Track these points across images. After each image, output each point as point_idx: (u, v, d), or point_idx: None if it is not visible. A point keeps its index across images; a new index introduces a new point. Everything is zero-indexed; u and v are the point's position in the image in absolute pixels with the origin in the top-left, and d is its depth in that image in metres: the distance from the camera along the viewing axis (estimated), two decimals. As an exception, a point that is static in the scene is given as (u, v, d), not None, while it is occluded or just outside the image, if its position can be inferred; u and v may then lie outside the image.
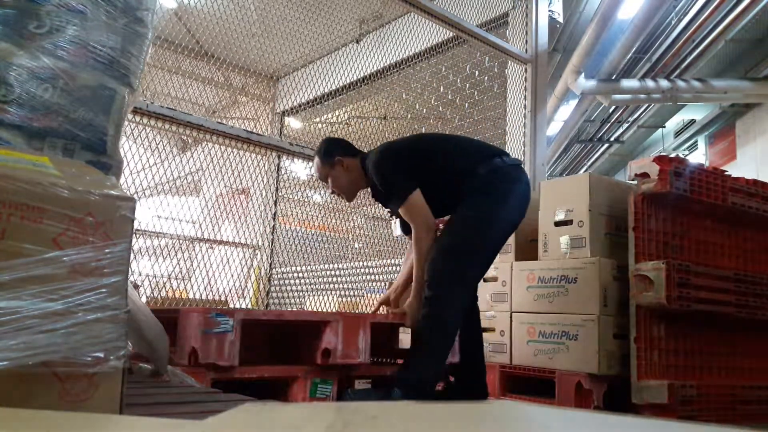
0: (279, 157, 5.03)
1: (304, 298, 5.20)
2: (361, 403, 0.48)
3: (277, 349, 2.13)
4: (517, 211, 2.18)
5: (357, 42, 5.14)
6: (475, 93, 5.01)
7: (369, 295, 4.77)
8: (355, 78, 4.91)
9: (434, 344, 2.03)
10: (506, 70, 4.69)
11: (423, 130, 5.87)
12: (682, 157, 2.50)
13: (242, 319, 1.79)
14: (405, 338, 2.38)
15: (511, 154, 2.38)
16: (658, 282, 2.26)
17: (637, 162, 2.44)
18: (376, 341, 2.09)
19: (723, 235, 2.64)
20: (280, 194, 5.19)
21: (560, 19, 5.34)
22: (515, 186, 2.16)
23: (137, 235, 4.44)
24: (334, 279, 5.15)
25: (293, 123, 6.63)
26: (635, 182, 2.44)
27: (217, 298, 4.21)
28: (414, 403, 0.48)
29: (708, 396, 2.31)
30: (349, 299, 4.84)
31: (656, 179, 2.34)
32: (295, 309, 5.15)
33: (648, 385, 2.24)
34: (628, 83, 7.15)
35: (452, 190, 2.15)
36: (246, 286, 5.04)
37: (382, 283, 4.83)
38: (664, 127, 10.15)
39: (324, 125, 6.49)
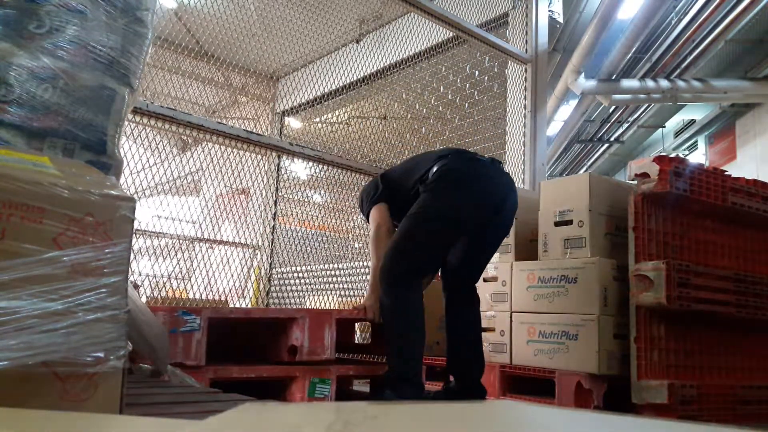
0: (279, 157, 5.04)
1: (304, 298, 5.20)
2: (361, 403, 0.48)
3: (248, 348, 2.13)
4: (462, 201, 2.22)
5: (357, 42, 5.14)
6: (475, 93, 5.01)
7: (369, 295, 4.77)
8: (355, 78, 4.91)
9: (397, 338, 2.10)
10: (506, 70, 4.69)
11: (423, 130, 5.87)
12: (683, 157, 2.49)
13: (209, 318, 1.78)
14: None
15: (510, 154, 2.40)
16: (658, 282, 2.26)
17: (637, 162, 2.44)
18: (343, 338, 2.12)
19: (723, 235, 2.64)
20: (280, 194, 5.20)
21: (560, 19, 5.34)
22: (462, 179, 2.22)
23: (137, 235, 4.44)
24: (334, 279, 5.15)
25: (293, 123, 6.63)
26: (635, 182, 2.44)
27: (217, 298, 4.21)
28: (414, 403, 0.48)
29: (708, 396, 2.31)
30: (349, 299, 4.85)
31: (656, 179, 2.34)
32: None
33: (648, 385, 2.24)
34: (628, 83, 7.15)
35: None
36: (246, 286, 5.05)
37: (382, 283, 4.82)
38: (664, 127, 10.16)
39: (324, 125, 6.49)
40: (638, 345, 2.31)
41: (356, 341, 2.44)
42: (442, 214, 2.19)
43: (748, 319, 2.49)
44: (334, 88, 5.16)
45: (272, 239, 4.90)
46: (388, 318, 2.12)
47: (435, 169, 2.23)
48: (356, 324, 2.41)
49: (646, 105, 8.28)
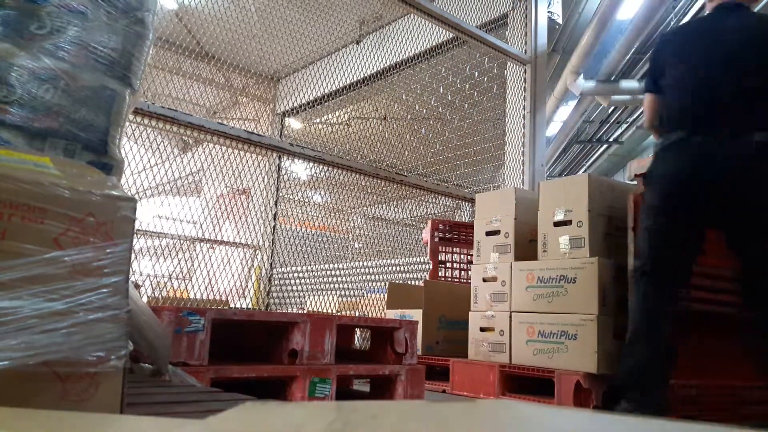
0: (279, 158, 5.04)
1: (304, 297, 5.20)
2: (361, 403, 0.48)
3: (249, 349, 2.13)
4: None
5: (357, 43, 5.14)
6: (475, 94, 5.01)
7: (369, 295, 4.78)
8: (355, 79, 4.91)
9: (632, 329, 2.00)
10: (506, 71, 4.70)
11: (423, 131, 5.88)
12: None
13: (213, 319, 1.79)
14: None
15: (510, 154, 2.43)
16: None
17: (638, 161, 2.42)
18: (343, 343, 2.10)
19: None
20: (280, 194, 5.20)
21: (559, 20, 5.35)
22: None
23: (138, 236, 4.44)
24: (334, 279, 5.15)
25: (294, 123, 6.63)
26: (634, 182, 2.44)
27: (217, 298, 4.21)
28: (414, 403, 0.49)
29: (708, 396, 2.30)
30: (349, 299, 4.85)
31: None
32: (295, 309, 5.15)
33: None
34: (627, 84, 7.16)
35: None
36: (246, 286, 5.05)
37: (382, 283, 4.83)
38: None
39: (324, 126, 6.49)
40: None
41: (357, 346, 2.42)
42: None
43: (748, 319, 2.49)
44: (334, 89, 5.17)
45: (273, 239, 4.90)
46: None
47: None
48: (356, 330, 2.39)
49: (646, 105, 8.26)
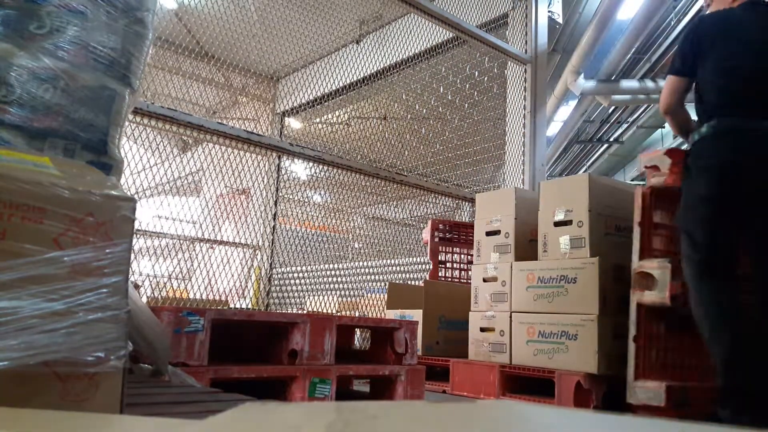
0: (279, 158, 5.04)
1: (304, 298, 5.20)
2: (361, 403, 0.48)
3: (248, 350, 2.13)
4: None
5: (357, 43, 5.14)
6: (475, 93, 5.01)
7: (369, 295, 4.77)
8: (355, 79, 4.91)
9: (708, 333, 1.88)
10: (506, 71, 4.70)
11: (423, 131, 5.88)
12: None
13: (213, 319, 1.79)
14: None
15: (510, 154, 2.39)
16: (662, 280, 2.17)
17: (648, 154, 2.31)
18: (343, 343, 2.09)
19: None
20: (280, 194, 5.20)
21: (560, 20, 5.35)
22: None
23: (138, 236, 4.44)
24: (334, 279, 5.15)
25: (293, 123, 6.63)
26: (637, 182, 2.41)
27: (217, 298, 4.21)
28: (414, 403, 0.48)
29: (705, 399, 2.22)
30: (349, 299, 4.84)
31: (667, 172, 2.20)
32: (295, 309, 5.15)
33: (645, 385, 2.18)
34: (627, 84, 7.16)
35: None
36: (246, 286, 5.05)
37: (382, 283, 4.83)
38: (664, 127, 10.16)
39: (324, 125, 6.50)
40: (637, 344, 2.24)
41: (357, 346, 2.42)
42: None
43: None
44: (334, 88, 5.17)
45: (272, 239, 4.90)
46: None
47: None
48: (356, 330, 2.38)
49: (646, 105, 8.28)
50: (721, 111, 1.96)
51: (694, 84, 2.13)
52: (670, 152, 2.26)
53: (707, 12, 2.23)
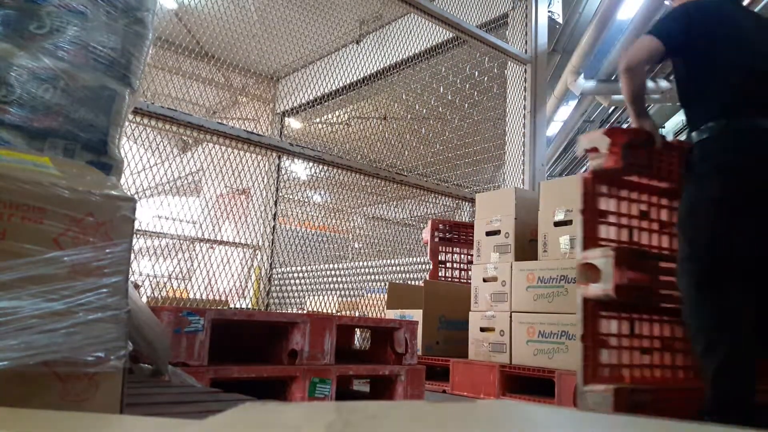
0: (279, 158, 5.04)
1: (304, 298, 5.20)
2: (361, 403, 0.48)
3: (248, 350, 2.13)
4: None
5: (357, 43, 5.15)
6: (475, 93, 5.01)
7: (369, 295, 4.78)
8: (355, 79, 4.91)
9: (703, 345, 1.77)
10: (506, 71, 4.70)
11: (423, 131, 5.88)
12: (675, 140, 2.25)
13: (213, 319, 1.79)
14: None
15: (510, 154, 2.32)
16: (606, 271, 1.93)
17: (587, 135, 2.08)
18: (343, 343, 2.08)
19: None
20: (280, 194, 5.20)
21: (560, 20, 5.35)
22: None
23: (138, 236, 4.45)
24: (334, 279, 5.15)
25: (293, 123, 6.63)
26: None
27: (217, 298, 4.21)
28: (414, 403, 0.49)
29: (668, 400, 2.00)
30: (349, 299, 4.85)
31: (607, 154, 1.99)
32: (295, 309, 5.16)
33: (593, 389, 1.92)
34: (627, 84, 7.14)
35: None
36: (246, 286, 5.05)
37: (382, 283, 4.83)
38: (664, 127, 10.15)
39: (324, 125, 6.50)
40: (585, 344, 1.97)
41: (357, 346, 2.41)
42: None
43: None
44: (334, 88, 5.17)
45: (272, 239, 4.90)
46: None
47: None
48: (356, 330, 2.37)
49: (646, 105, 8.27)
50: (733, 110, 1.85)
51: (677, 71, 2.02)
52: (610, 132, 2.05)
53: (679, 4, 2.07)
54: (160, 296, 4.07)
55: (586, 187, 2.06)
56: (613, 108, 8.34)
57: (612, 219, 2.11)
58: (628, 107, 2.03)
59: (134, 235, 0.90)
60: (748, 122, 1.83)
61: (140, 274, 4.29)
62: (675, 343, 2.15)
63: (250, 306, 4.94)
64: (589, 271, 1.99)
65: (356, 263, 5.62)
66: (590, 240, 2.03)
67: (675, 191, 2.14)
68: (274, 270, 5.03)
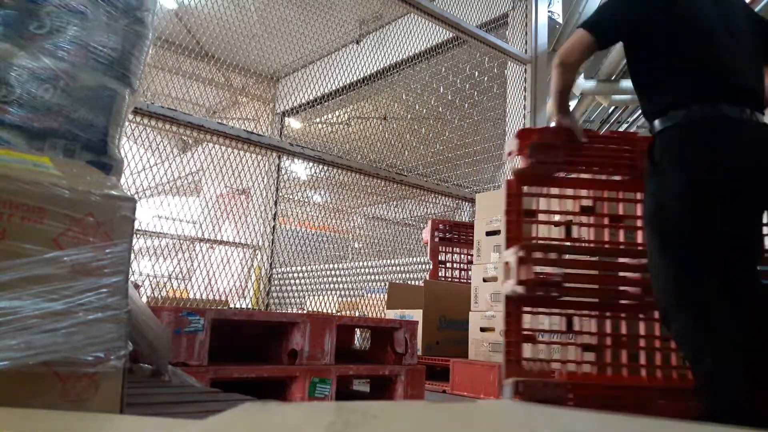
0: (279, 158, 5.04)
1: (304, 298, 5.20)
2: (361, 403, 0.48)
3: (249, 349, 2.14)
4: None
5: (357, 43, 5.15)
6: (475, 93, 5.01)
7: (369, 295, 4.78)
8: (355, 79, 4.91)
9: (692, 350, 1.67)
10: (506, 71, 4.70)
11: (423, 131, 5.88)
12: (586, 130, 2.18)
13: (213, 319, 1.79)
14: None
15: None
16: (514, 268, 1.98)
17: (517, 137, 2.10)
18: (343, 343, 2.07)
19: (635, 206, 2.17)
20: (280, 194, 5.20)
21: (560, 20, 5.35)
22: None
23: (138, 236, 4.44)
24: (334, 279, 5.15)
25: (293, 123, 6.63)
26: None
27: (217, 298, 4.21)
28: (414, 403, 0.49)
29: (581, 397, 1.98)
30: (349, 299, 4.85)
31: (518, 156, 2.03)
32: (295, 309, 5.16)
33: (507, 383, 1.96)
34: (627, 84, 7.15)
35: None
36: (246, 286, 5.05)
37: (382, 283, 4.83)
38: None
39: (324, 125, 6.50)
40: (507, 339, 2.01)
41: (357, 346, 2.41)
42: None
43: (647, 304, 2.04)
44: (334, 88, 5.17)
45: (272, 239, 4.90)
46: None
47: None
48: (356, 330, 2.37)
49: (646, 105, 8.27)
50: (695, 97, 1.75)
51: (636, 62, 1.92)
52: (519, 133, 2.10)
53: None
54: (160, 296, 4.07)
55: (509, 189, 2.10)
56: (613, 108, 8.34)
57: (543, 217, 2.14)
58: (552, 100, 1.97)
59: (134, 235, 0.90)
60: (711, 110, 1.73)
61: (140, 274, 4.29)
62: (607, 339, 2.10)
63: (250, 306, 4.94)
64: (505, 270, 2.03)
65: (356, 263, 5.62)
66: (513, 240, 2.06)
67: (631, 182, 2.10)
68: (274, 270, 5.03)
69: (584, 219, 2.19)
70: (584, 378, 2.05)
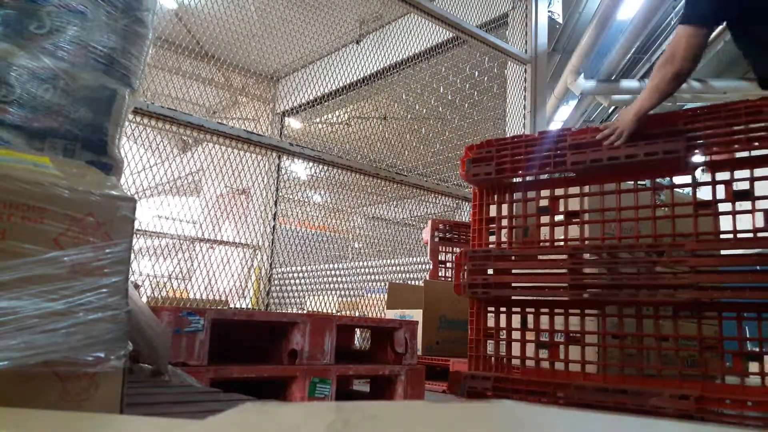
0: (279, 158, 5.04)
1: (304, 298, 5.20)
2: (361, 403, 0.48)
3: (248, 349, 2.14)
4: None
5: (357, 42, 5.15)
6: (475, 93, 5.01)
7: (369, 295, 4.78)
8: (355, 78, 4.91)
9: None
10: (506, 71, 4.70)
11: (423, 131, 5.88)
12: (515, 137, 2.24)
13: (213, 319, 1.79)
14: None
15: None
16: (462, 272, 2.18)
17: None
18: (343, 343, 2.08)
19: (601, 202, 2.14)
20: (280, 194, 5.20)
21: (560, 20, 5.36)
22: None
23: (138, 235, 4.44)
24: (334, 279, 5.15)
25: (293, 123, 6.63)
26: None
27: (217, 298, 4.21)
28: (414, 403, 0.49)
29: (514, 391, 2.05)
30: (349, 299, 4.85)
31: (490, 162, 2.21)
32: (295, 309, 5.16)
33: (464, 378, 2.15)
34: (627, 83, 7.16)
35: None
36: (246, 286, 5.05)
37: (383, 283, 4.83)
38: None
39: (324, 125, 6.50)
40: (470, 336, 2.21)
41: (357, 346, 2.41)
42: None
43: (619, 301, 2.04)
44: (334, 88, 5.17)
45: (272, 239, 4.90)
46: None
47: None
48: (356, 330, 2.37)
49: (646, 105, 8.27)
50: None
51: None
52: (468, 148, 2.31)
53: None
54: (160, 296, 4.07)
55: (474, 198, 2.32)
56: (613, 108, 8.34)
57: (504, 222, 2.29)
58: (642, 103, 1.90)
59: (134, 235, 0.90)
60: None
61: (140, 274, 4.29)
62: (557, 336, 2.18)
63: (250, 306, 4.94)
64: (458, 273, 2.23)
65: (356, 263, 5.62)
66: (476, 245, 2.27)
67: (579, 179, 2.19)
68: (274, 270, 5.03)
69: (543, 219, 2.29)
70: (525, 374, 2.16)
